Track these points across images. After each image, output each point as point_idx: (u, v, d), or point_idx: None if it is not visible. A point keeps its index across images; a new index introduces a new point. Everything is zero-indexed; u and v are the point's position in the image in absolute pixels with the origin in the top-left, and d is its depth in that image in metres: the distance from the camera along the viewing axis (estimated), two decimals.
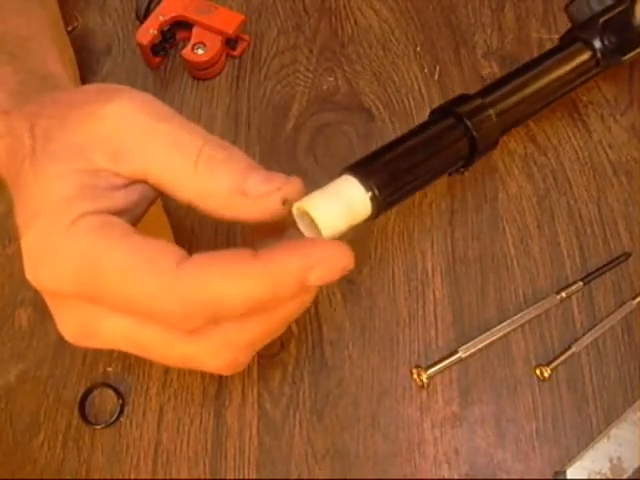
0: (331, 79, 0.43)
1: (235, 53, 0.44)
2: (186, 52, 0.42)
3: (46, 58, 0.32)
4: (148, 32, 0.42)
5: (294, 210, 0.25)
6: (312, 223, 0.25)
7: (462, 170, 0.35)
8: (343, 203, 0.26)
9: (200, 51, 0.42)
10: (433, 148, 0.32)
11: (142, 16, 0.43)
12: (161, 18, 0.42)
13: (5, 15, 0.34)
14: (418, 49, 0.45)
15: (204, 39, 0.42)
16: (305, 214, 0.25)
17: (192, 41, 0.42)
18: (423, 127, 0.33)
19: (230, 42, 0.43)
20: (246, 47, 0.45)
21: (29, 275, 0.24)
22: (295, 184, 0.25)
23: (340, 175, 0.27)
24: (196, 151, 0.24)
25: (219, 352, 0.25)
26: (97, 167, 0.24)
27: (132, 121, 0.24)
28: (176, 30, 0.44)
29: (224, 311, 0.23)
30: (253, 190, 0.24)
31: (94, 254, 0.23)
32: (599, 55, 0.38)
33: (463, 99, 0.34)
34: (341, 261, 0.24)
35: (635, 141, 0.41)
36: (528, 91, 0.36)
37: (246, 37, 0.45)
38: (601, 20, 0.38)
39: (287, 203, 0.24)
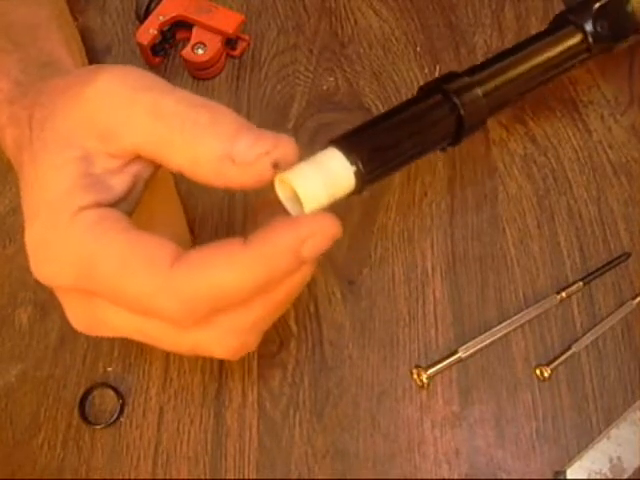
0: (331, 79, 0.43)
1: (235, 53, 0.44)
2: (186, 52, 0.42)
3: (51, 44, 0.32)
4: (148, 32, 0.42)
5: (276, 179, 0.24)
6: (293, 194, 0.24)
7: (444, 148, 0.35)
8: (326, 176, 0.25)
9: (200, 51, 0.42)
10: (419, 124, 0.31)
11: (142, 16, 0.43)
12: (161, 18, 0.42)
13: (14, 5, 0.34)
14: (418, 49, 0.45)
15: (204, 39, 0.42)
16: (287, 185, 0.24)
17: (192, 41, 0.42)
18: (410, 103, 0.32)
19: (230, 42, 0.43)
20: (246, 47, 0.45)
21: (33, 270, 0.25)
22: (285, 146, 0.23)
23: (325, 148, 0.27)
24: (179, 118, 0.23)
25: (224, 339, 0.25)
26: (89, 152, 0.24)
27: (113, 97, 0.24)
28: (176, 30, 0.44)
29: (224, 302, 0.23)
30: (241, 156, 0.23)
31: (91, 251, 0.23)
32: (590, 40, 0.37)
33: (451, 77, 0.34)
34: (329, 230, 0.23)
35: (635, 141, 0.41)
36: (517, 71, 0.35)
37: (246, 37, 0.44)
38: (596, 5, 0.38)
39: (279, 167, 0.23)
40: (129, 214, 0.26)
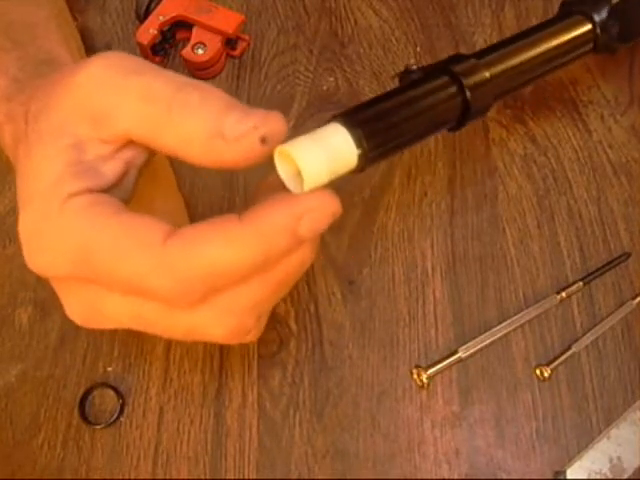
0: (331, 79, 0.43)
1: (235, 53, 0.44)
2: (186, 52, 0.42)
3: (51, 43, 0.33)
4: (148, 32, 0.42)
5: (275, 152, 0.24)
6: (293, 170, 0.24)
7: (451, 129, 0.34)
8: (328, 151, 0.24)
9: (200, 51, 0.42)
10: (425, 104, 0.31)
11: (142, 16, 0.43)
12: (161, 18, 0.42)
13: (13, 5, 0.34)
14: (418, 49, 0.45)
15: (204, 39, 0.42)
16: (287, 159, 0.24)
17: (192, 41, 0.42)
18: (416, 83, 0.32)
19: (230, 42, 0.43)
20: (246, 47, 0.45)
21: (27, 261, 0.24)
22: (274, 121, 0.23)
23: (328, 122, 0.26)
24: (167, 100, 0.23)
25: (221, 318, 0.25)
26: (81, 139, 0.24)
27: (105, 82, 0.24)
28: (176, 30, 0.44)
29: (220, 281, 0.23)
30: (230, 131, 0.22)
31: (84, 236, 0.23)
32: (598, 31, 0.37)
33: (458, 58, 0.33)
34: (329, 207, 0.23)
35: (635, 141, 0.41)
36: (525, 56, 0.35)
37: (246, 37, 0.45)
38: (614, 1, 0.38)
39: (267, 142, 0.23)
40: (125, 202, 0.25)
